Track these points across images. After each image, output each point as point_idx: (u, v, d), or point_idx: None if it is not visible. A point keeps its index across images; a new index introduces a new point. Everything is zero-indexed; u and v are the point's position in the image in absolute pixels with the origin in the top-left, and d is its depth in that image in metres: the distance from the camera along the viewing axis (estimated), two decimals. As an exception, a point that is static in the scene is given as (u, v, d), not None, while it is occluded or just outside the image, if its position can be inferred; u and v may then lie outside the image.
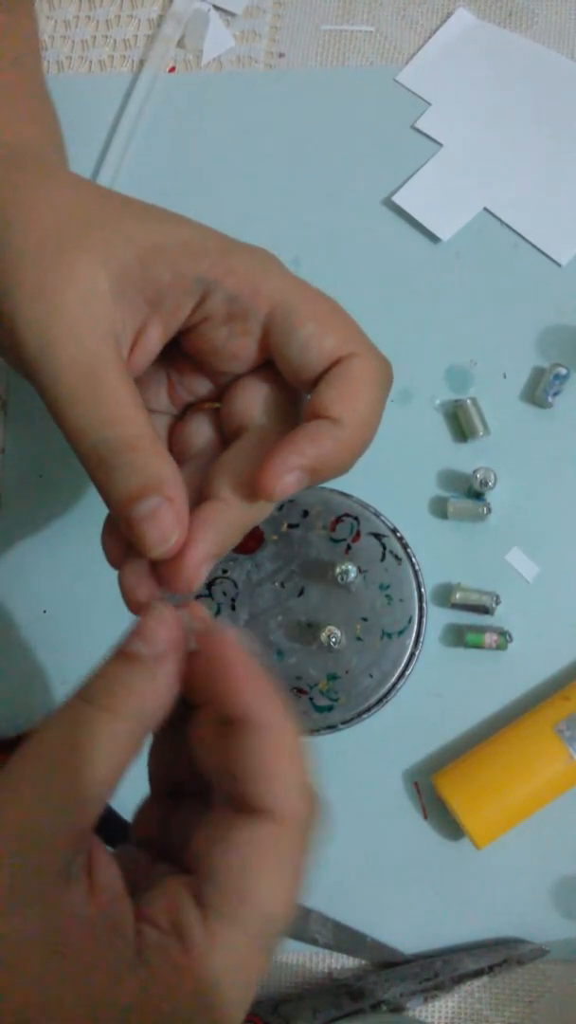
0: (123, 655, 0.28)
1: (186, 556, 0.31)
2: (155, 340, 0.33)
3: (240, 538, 0.33)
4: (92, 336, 0.31)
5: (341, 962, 0.44)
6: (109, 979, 0.25)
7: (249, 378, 0.35)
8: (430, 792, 0.45)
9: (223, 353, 0.34)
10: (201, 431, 0.36)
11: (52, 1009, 0.24)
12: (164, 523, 0.30)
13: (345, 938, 0.44)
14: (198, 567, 0.31)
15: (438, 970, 0.43)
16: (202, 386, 0.36)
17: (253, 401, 0.34)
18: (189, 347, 0.35)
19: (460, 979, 0.43)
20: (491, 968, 0.43)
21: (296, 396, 0.35)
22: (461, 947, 0.44)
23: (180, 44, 0.54)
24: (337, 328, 0.32)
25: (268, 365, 0.34)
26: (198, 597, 0.45)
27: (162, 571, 0.31)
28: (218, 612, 0.45)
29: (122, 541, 0.33)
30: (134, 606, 0.32)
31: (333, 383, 0.32)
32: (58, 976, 0.24)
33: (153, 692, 0.28)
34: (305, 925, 0.44)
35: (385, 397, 0.33)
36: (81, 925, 0.25)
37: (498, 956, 0.43)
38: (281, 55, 0.53)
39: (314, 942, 0.44)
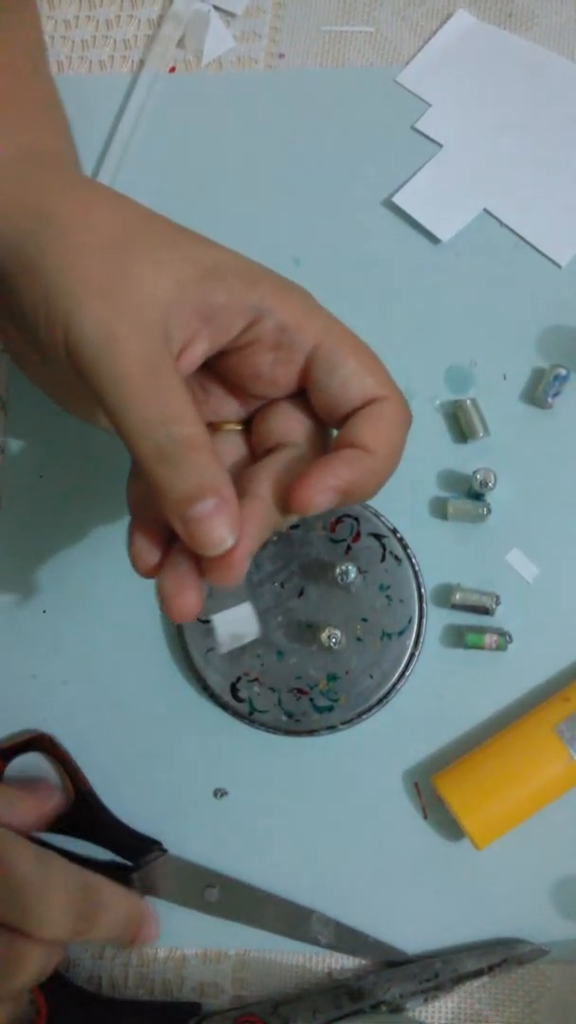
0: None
1: (235, 551, 0.32)
2: (198, 355, 0.35)
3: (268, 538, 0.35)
4: (153, 336, 0.32)
5: (341, 962, 0.45)
6: None
7: (283, 403, 0.37)
8: (430, 792, 0.45)
9: (264, 378, 0.36)
10: (221, 448, 0.37)
11: None
12: (222, 524, 0.32)
13: (347, 938, 0.44)
14: (244, 561, 0.33)
15: (438, 970, 0.43)
16: (228, 407, 0.38)
17: (289, 424, 0.37)
18: (229, 369, 0.36)
19: (460, 979, 0.43)
20: (491, 968, 0.43)
21: (323, 425, 0.37)
22: (461, 947, 0.44)
23: (180, 44, 0.54)
24: (375, 371, 0.35)
25: (299, 395, 0.37)
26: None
27: (209, 566, 0.33)
28: (208, 622, 0.45)
29: (155, 547, 0.34)
30: (177, 616, 0.33)
31: (369, 419, 0.35)
32: None
33: None
34: (307, 926, 0.44)
35: (406, 438, 0.36)
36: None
37: (498, 956, 0.43)
38: (281, 56, 0.53)
39: (316, 942, 0.44)
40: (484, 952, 0.43)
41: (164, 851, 0.45)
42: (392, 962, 0.44)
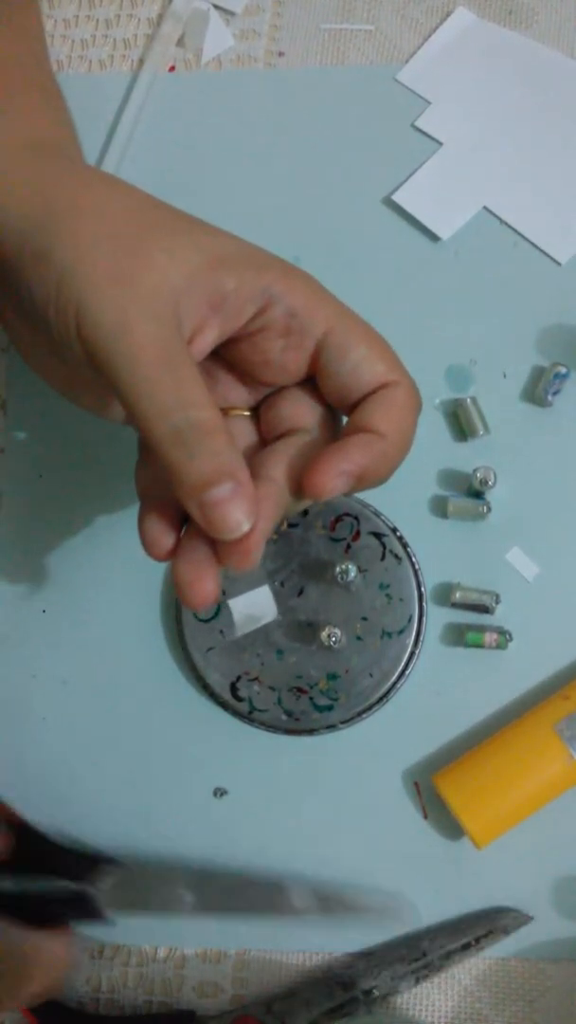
0: None
1: (252, 535, 0.32)
2: (209, 342, 0.35)
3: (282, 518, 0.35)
4: (165, 322, 0.32)
5: (332, 955, 0.44)
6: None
7: (292, 389, 0.37)
8: (430, 792, 0.45)
9: (274, 365, 0.36)
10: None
11: None
12: (239, 507, 0.32)
13: (330, 902, 0.42)
14: (260, 545, 0.33)
15: (425, 948, 0.43)
16: (237, 394, 0.38)
17: (299, 410, 0.37)
18: (239, 356, 0.36)
19: (448, 955, 0.43)
20: (478, 940, 0.43)
21: (333, 411, 0.37)
22: (446, 923, 0.44)
23: (180, 43, 0.54)
24: (386, 356, 0.36)
25: (307, 381, 0.37)
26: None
27: (225, 551, 0.32)
28: (218, 612, 0.45)
29: (170, 530, 0.34)
30: (197, 603, 0.33)
31: (381, 404, 0.35)
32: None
33: None
34: (286, 901, 0.42)
35: (417, 422, 0.36)
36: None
37: (483, 928, 0.43)
38: (281, 54, 0.53)
39: (297, 912, 0.42)
40: (469, 924, 0.43)
41: (120, 864, 0.43)
42: (382, 947, 0.44)
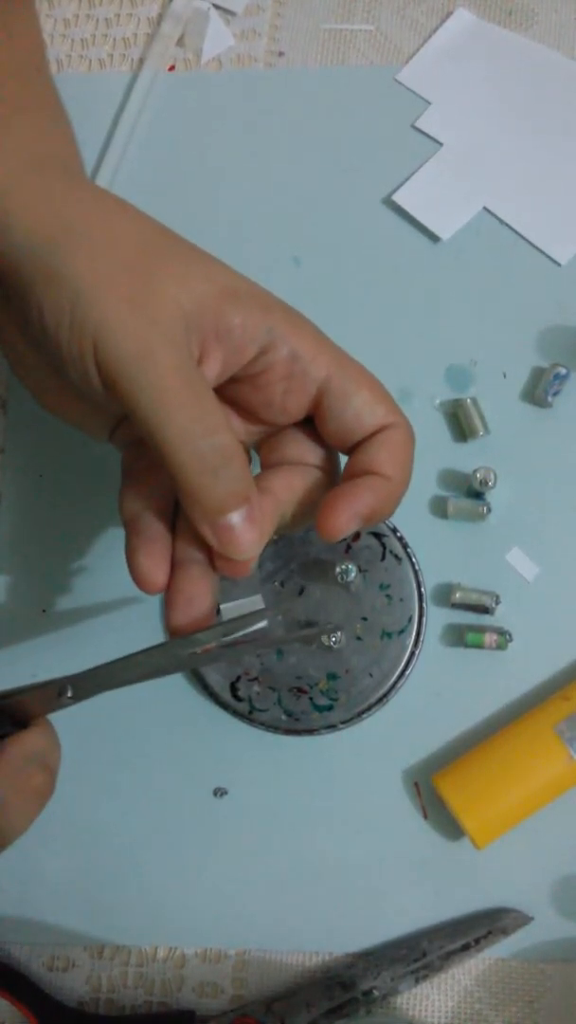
0: None
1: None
2: (212, 373, 0.35)
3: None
4: (184, 349, 0.33)
5: (332, 955, 0.45)
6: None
7: (292, 430, 0.38)
8: (430, 792, 0.45)
9: (275, 406, 0.37)
10: None
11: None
12: (255, 530, 0.34)
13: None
14: (256, 556, 0.34)
15: (425, 949, 0.43)
16: (238, 431, 0.38)
17: (300, 449, 0.38)
18: (241, 396, 0.37)
19: (448, 956, 0.43)
20: (477, 941, 0.43)
21: (332, 451, 0.38)
22: (446, 923, 0.44)
23: (180, 43, 0.54)
24: (385, 399, 0.36)
25: (305, 421, 0.38)
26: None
27: (224, 565, 0.35)
28: (218, 612, 0.45)
29: (161, 564, 0.35)
30: (190, 628, 0.35)
31: (384, 446, 0.36)
32: None
33: None
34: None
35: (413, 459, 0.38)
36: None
37: (483, 928, 0.43)
38: (281, 54, 0.53)
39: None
40: (469, 925, 0.43)
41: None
42: (382, 947, 0.44)
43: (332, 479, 0.38)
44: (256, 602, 0.36)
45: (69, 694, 0.35)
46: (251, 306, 0.35)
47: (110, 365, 0.33)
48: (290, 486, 0.36)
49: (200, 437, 0.33)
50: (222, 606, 0.36)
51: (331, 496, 0.35)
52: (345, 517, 0.34)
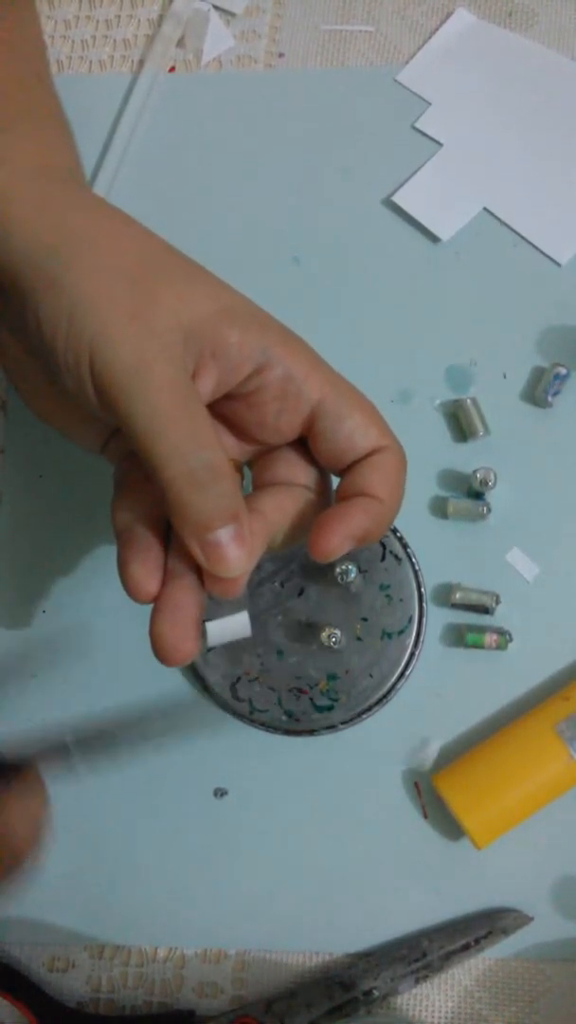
0: None
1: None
2: (206, 390, 0.35)
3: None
4: (180, 363, 0.33)
5: (332, 955, 0.45)
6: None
7: (286, 450, 0.38)
8: (430, 792, 0.45)
9: (269, 426, 0.37)
10: None
11: None
12: (242, 549, 0.33)
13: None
14: (246, 578, 0.34)
15: (425, 949, 0.43)
16: (231, 449, 0.38)
17: (292, 470, 0.38)
18: (235, 415, 0.37)
19: (448, 956, 0.43)
20: (477, 941, 0.43)
21: (324, 472, 0.38)
22: (446, 923, 0.44)
23: (180, 44, 0.54)
24: (377, 421, 0.36)
25: (298, 441, 0.38)
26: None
27: (213, 583, 0.34)
28: (204, 631, 0.45)
29: (153, 574, 0.35)
30: (178, 661, 0.34)
31: (376, 469, 0.36)
32: None
33: None
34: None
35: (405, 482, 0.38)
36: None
37: (483, 928, 0.43)
38: (281, 55, 0.53)
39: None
40: (469, 925, 0.43)
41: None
42: (382, 947, 0.44)
43: (324, 500, 0.38)
44: (242, 623, 0.36)
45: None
46: (249, 325, 0.35)
47: (105, 376, 0.32)
48: (281, 507, 0.36)
49: (190, 453, 0.32)
50: (207, 624, 0.35)
51: (324, 518, 0.35)
52: (338, 539, 0.34)
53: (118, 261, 0.34)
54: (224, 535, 0.33)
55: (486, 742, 0.44)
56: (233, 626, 0.35)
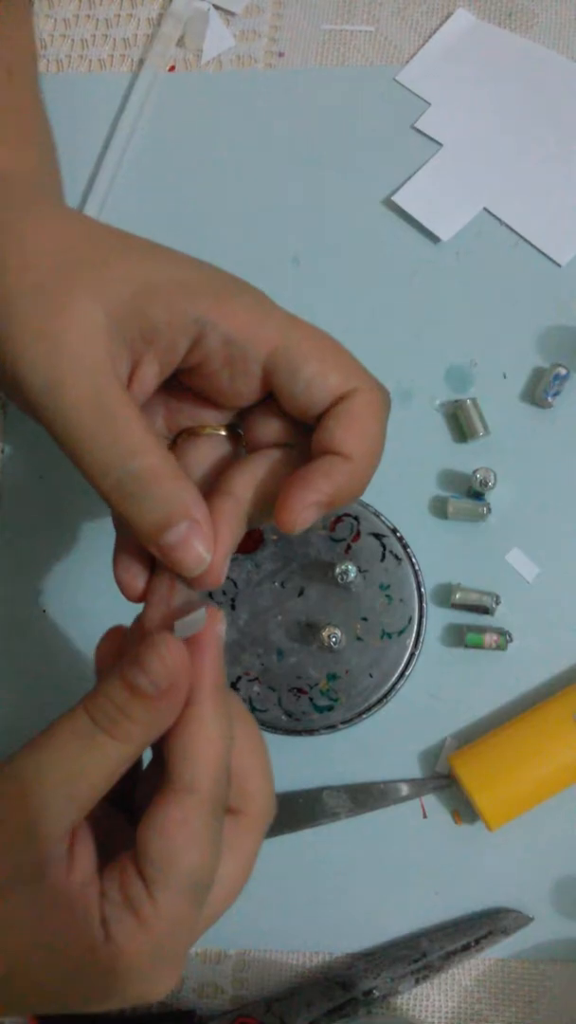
0: (129, 686, 0.30)
1: (214, 560, 0.33)
2: (151, 377, 0.34)
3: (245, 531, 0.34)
4: (98, 371, 0.32)
5: (332, 955, 0.45)
6: (82, 953, 0.29)
7: (263, 407, 0.36)
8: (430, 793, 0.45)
9: (227, 392, 0.35)
10: (200, 453, 0.36)
11: (30, 976, 0.29)
12: (197, 546, 0.32)
13: (362, 796, 0.44)
14: (222, 566, 0.33)
15: (425, 949, 0.43)
16: (209, 414, 0.37)
17: (271, 427, 0.35)
18: (195, 385, 0.35)
19: (448, 956, 0.43)
20: (477, 942, 0.43)
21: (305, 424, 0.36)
22: (447, 923, 0.44)
23: (180, 43, 0.54)
24: (338, 365, 0.33)
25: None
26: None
27: (191, 581, 0.33)
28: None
29: (140, 572, 0.34)
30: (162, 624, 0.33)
31: (341, 419, 0.33)
32: (40, 950, 0.29)
33: (152, 725, 0.31)
34: (319, 807, 0.44)
35: (386, 423, 0.34)
36: (62, 907, 0.29)
37: (483, 929, 0.43)
38: (281, 54, 0.53)
39: (337, 816, 0.45)
40: (469, 926, 0.43)
41: None
42: (382, 947, 0.44)
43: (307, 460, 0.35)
44: (198, 615, 0.35)
45: None
46: (175, 295, 0.32)
47: (25, 396, 0.32)
48: (253, 481, 0.34)
49: (114, 466, 0.31)
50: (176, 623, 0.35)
51: (285, 486, 0.33)
52: (298, 509, 0.32)
53: (28, 277, 0.33)
54: (176, 536, 0.32)
55: (503, 727, 0.44)
56: (190, 621, 0.34)
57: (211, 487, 0.34)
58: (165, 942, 0.30)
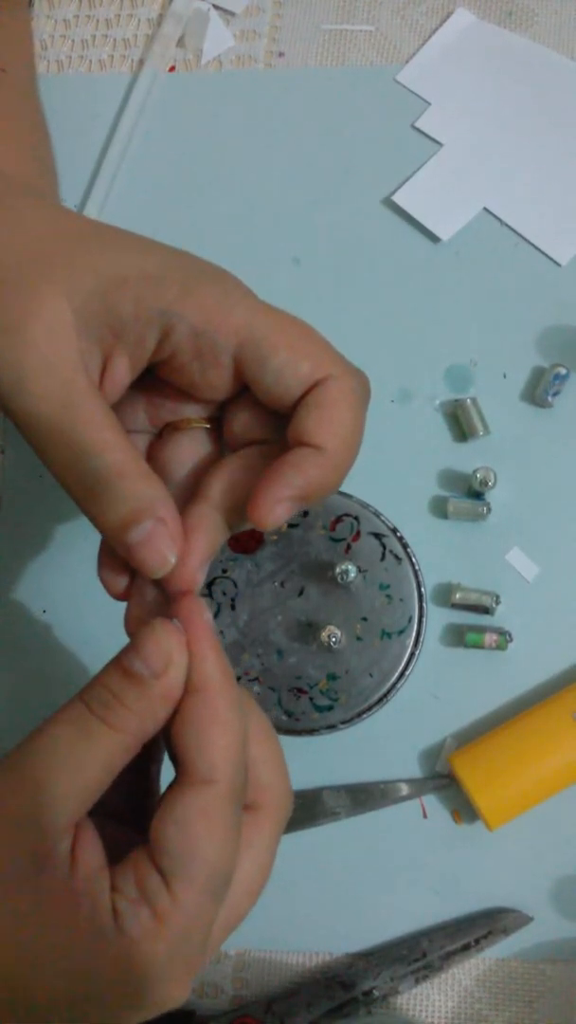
0: (123, 670, 0.30)
1: (186, 563, 0.32)
2: (122, 371, 0.33)
3: (228, 535, 0.34)
4: (64, 367, 0.31)
5: (332, 955, 0.45)
6: (91, 949, 0.28)
7: (242, 400, 0.35)
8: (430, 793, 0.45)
9: (200, 385, 0.34)
10: (184, 448, 0.36)
11: (38, 976, 0.28)
12: (161, 545, 0.31)
13: (362, 796, 0.44)
14: (196, 572, 0.32)
15: (425, 949, 0.43)
16: (189, 408, 0.36)
17: (250, 420, 0.34)
18: (170, 378, 0.34)
19: (448, 956, 0.43)
20: (477, 942, 0.43)
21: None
22: (447, 923, 0.44)
23: (180, 43, 0.54)
24: (310, 353, 0.32)
25: None
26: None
27: (164, 579, 0.32)
28: (218, 612, 0.45)
29: (121, 572, 0.33)
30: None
31: (312, 409, 0.32)
32: (45, 947, 0.28)
33: (149, 711, 0.30)
34: (319, 807, 0.44)
35: (365, 410, 0.33)
36: (65, 901, 0.28)
37: (483, 928, 0.43)
38: (281, 54, 0.53)
39: (336, 816, 0.45)
40: (469, 925, 0.43)
41: None
42: (382, 947, 0.44)
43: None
44: None
45: None
46: (141, 290, 0.31)
47: None
48: (231, 483, 0.33)
49: (77, 463, 0.31)
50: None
51: (257, 484, 0.31)
52: (269, 505, 0.31)
53: None
54: (139, 534, 0.31)
55: (503, 726, 0.44)
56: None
57: (192, 485, 0.34)
58: (183, 939, 0.28)
